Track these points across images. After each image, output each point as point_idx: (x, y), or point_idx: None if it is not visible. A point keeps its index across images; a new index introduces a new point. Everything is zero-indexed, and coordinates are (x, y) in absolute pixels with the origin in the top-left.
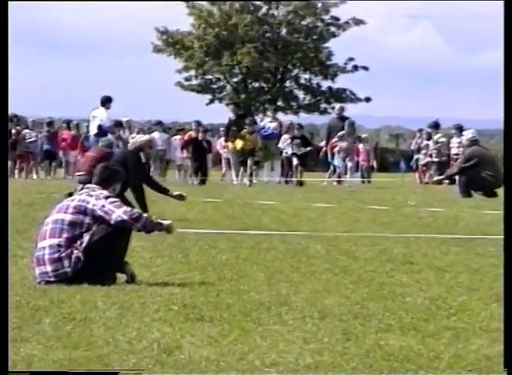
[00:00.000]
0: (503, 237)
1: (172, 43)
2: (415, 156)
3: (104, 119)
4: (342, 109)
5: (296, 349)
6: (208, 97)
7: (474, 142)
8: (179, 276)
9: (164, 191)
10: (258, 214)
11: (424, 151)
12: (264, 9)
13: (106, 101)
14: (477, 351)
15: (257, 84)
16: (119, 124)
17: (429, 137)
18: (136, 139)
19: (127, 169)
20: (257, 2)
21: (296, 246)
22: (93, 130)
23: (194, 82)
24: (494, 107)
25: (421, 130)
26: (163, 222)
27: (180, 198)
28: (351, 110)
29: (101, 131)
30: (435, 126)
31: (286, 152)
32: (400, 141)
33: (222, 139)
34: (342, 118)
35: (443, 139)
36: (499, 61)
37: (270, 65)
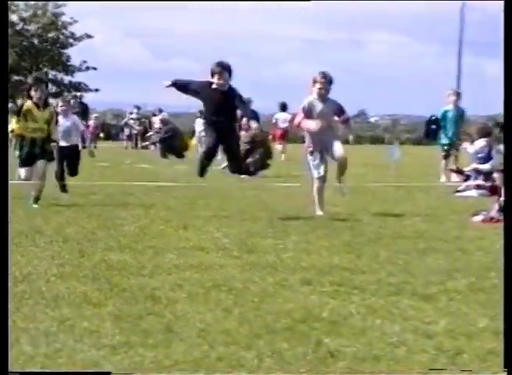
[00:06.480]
0: (189, 184)
1: None
2: (125, 129)
3: None
4: (81, 97)
5: (45, 263)
6: None
7: (168, 121)
8: None
9: None
10: None
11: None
12: (20, 25)
13: None
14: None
15: (17, 78)
16: None
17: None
18: None
19: None
20: (14, 20)
21: None
22: None
23: None
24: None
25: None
26: None
27: None
28: (86, 98)
29: None
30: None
31: None
32: (119, 119)
33: None
34: (81, 103)
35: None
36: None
37: (27, 64)
